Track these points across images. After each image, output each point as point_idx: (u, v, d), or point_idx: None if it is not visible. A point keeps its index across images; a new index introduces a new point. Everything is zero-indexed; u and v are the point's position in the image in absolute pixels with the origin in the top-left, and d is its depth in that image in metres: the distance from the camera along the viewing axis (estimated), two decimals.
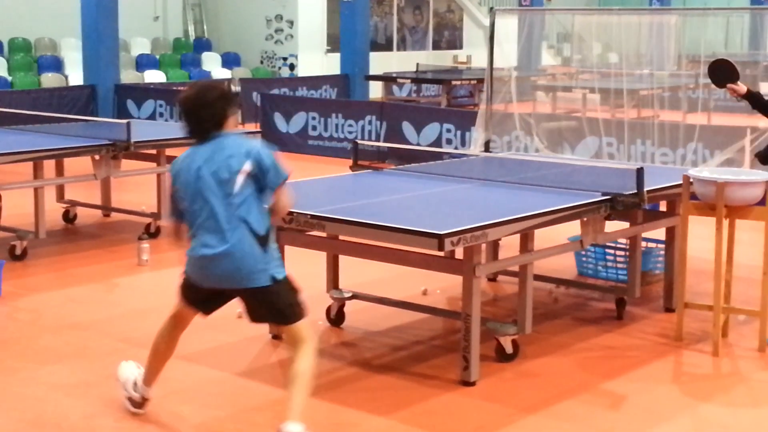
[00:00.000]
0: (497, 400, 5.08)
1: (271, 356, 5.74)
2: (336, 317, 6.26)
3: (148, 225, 8.65)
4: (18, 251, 7.85)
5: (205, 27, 22.33)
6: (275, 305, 4.32)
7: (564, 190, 5.99)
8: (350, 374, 5.44)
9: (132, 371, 4.80)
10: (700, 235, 6.40)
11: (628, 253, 6.73)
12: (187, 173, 4.28)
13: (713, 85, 6.78)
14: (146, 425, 4.71)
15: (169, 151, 8.60)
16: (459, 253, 5.34)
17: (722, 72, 6.59)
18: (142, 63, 19.96)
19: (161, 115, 15.76)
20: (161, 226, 8.52)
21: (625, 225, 6.42)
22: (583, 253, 7.35)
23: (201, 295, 4.46)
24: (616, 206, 5.73)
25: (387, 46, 23.66)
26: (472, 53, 24.89)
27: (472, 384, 5.22)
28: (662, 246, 6.95)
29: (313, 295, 6.47)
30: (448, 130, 12.80)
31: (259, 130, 13.82)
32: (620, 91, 12.19)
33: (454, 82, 17.90)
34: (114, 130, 8.78)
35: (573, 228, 6.07)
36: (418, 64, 20.59)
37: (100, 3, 15.78)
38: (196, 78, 19.47)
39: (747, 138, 10.08)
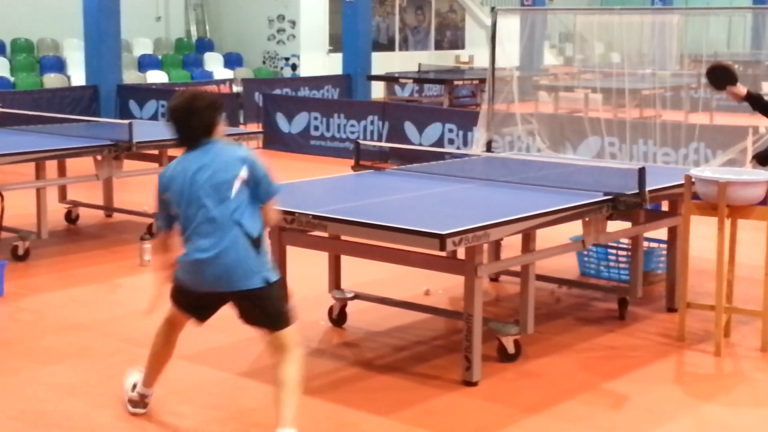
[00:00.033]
0: (499, 401, 5.08)
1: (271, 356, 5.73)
2: (338, 317, 6.26)
3: (150, 225, 8.65)
4: (20, 252, 7.86)
5: (207, 27, 22.34)
6: (267, 308, 4.32)
7: (566, 190, 5.99)
8: (352, 374, 5.44)
9: (134, 375, 4.84)
10: (702, 234, 6.40)
11: (630, 253, 6.72)
12: (182, 179, 4.29)
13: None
14: (147, 425, 4.72)
15: (171, 152, 8.61)
16: (461, 253, 5.34)
17: (720, 75, 6.58)
18: (145, 63, 19.98)
19: (163, 115, 15.75)
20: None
21: (627, 225, 6.42)
22: (585, 253, 7.35)
23: (193, 301, 4.45)
24: (617, 206, 5.73)
25: (389, 46, 23.66)
26: (475, 53, 24.90)
27: (474, 384, 5.22)
28: (664, 246, 6.95)
29: (315, 296, 6.51)
30: (450, 130, 12.80)
31: (261, 130, 13.83)
32: (622, 91, 12.18)
33: (456, 82, 17.90)
34: (116, 130, 8.79)
35: (575, 228, 6.07)
36: (420, 64, 20.59)
37: (102, 3, 15.80)
38: (199, 78, 19.49)
39: (749, 138, 10.08)
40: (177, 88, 16.83)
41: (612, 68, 14.27)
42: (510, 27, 12.63)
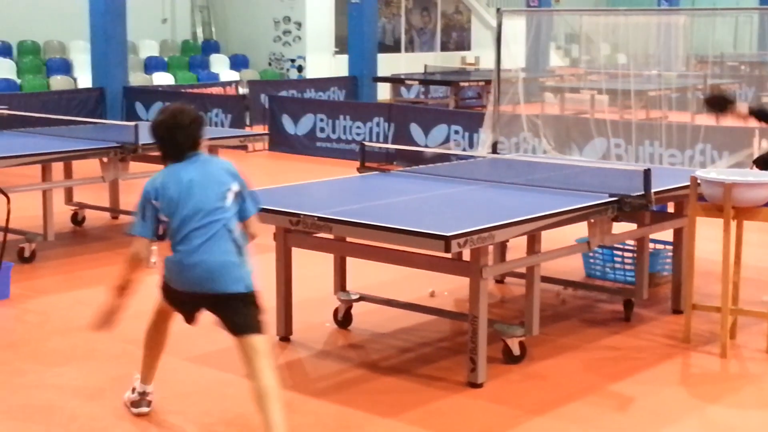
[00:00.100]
0: (504, 402, 5.08)
1: (278, 358, 5.73)
2: (343, 319, 6.26)
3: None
4: (26, 254, 7.88)
5: (213, 29, 22.37)
6: (246, 313, 4.38)
7: (571, 192, 5.98)
8: (357, 376, 5.44)
9: (132, 386, 4.87)
10: (708, 236, 6.39)
11: (635, 255, 6.71)
12: (176, 187, 4.36)
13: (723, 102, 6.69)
14: (151, 426, 4.73)
15: None
16: (466, 255, 5.34)
17: (718, 104, 6.57)
18: (151, 65, 20.01)
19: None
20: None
21: (633, 226, 6.42)
22: (591, 254, 7.34)
23: (180, 300, 4.51)
24: (623, 208, 5.72)
25: (395, 48, 23.67)
26: (480, 54, 24.89)
27: (479, 386, 5.22)
28: (670, 247, 6.94)
29: (321, 297, 6.52)
30: (456, 132, 12.80)
31: (267, 132, 13.85)
32: (628, 92, 12.20)
33: (462, 84, 17.91)
34: (122, 132, 8.80)
35: (580, 229, 6.07)
36: (426, 66, 20.59)
37: (108, 5, 15.83)
38: (205, 80, 19.51)
39: (756, 140, 10.06)
40: (183, 90, 16.96)
41: (618, 69, 14.28)
42: (516, 28, 12.63)
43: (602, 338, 6.12)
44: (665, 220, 6.69)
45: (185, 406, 4.99)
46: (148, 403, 4.82)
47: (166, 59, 20.48)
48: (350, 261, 6.25)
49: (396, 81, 18.62)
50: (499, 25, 9.28)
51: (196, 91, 16.94)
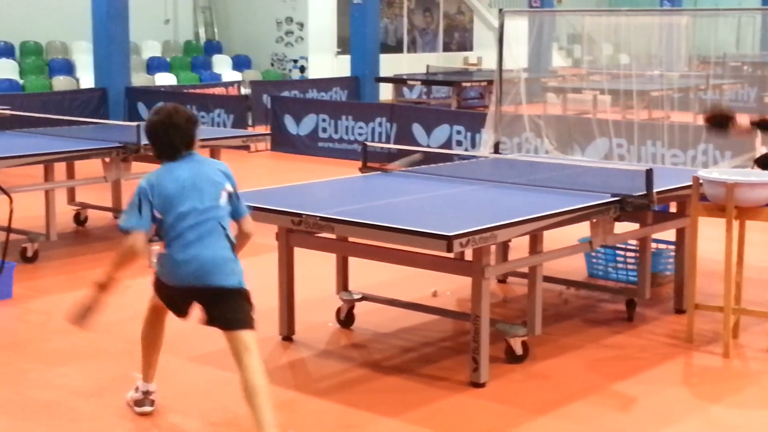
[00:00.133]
0: (507, 402, 5.08)
1: (280, 358, 5.75)
2: (346, 319, 6.27)
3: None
4: (29, 253, 7.89)
5: (215, 30, 22.38)
6: (236, 308, 4.42)
7: (573, 192, 5.98)
8: (360, 376, 5.45)
9: (135, 383, 4.89)
10: (711, 236, 6.39)
11: (638, 255, 6.71)
12: (173, 184, 4.40)
13: (720, 125, 6.56)
14: (154, 426, 4.73)
15: None
16: (468, 255, 5.34)
17: (719, 123, 6.50)
18: (153, 66, 20.02)
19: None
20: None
21: (635, 226, 6.41)
22: (593, 254, 7.34)
23: (173, 296, 4.55)
24: (625, 207, 5.72)
25: (397, 48, 23.67)
26: (483, 55, 24.89)
27: (482, 385, 5.21)
28: (672, 247, 6.94)
29: (323, 297, 6.52)
30: (459, 132, 12.80)
31: (269, 132, 13.86)
32: (630, 93, 12.17)
33: (464, 84, 17.91)
34: (124, 132, 8.81)
35: (583, 229, 6.07)
36: (428, 66, 20.59)
37: (111, 6, 15.84)
38: (207, 81, 19.52)
39: (758, 140, 10.05)
40: (186, 90, 16.97)
41: (620, 70, 14.26)
42: (518, 29, 12.62)
43: (605, 338, 6.12)
44: (667, 220, 6.69)
45: (187, 405, 4.99)
46: (152, 403, 4.83)
47: (168, 60, 20.50)
48: (352, 261, 6.25)
49: (398, 81, 18.63)
50: (501, 26, 9.27)
51: (198, 91, 16.95)
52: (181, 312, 4.60)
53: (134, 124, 8.64)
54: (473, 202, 5.93)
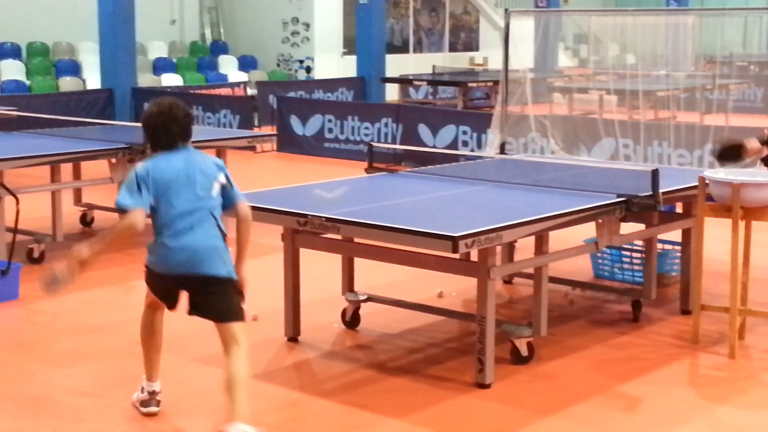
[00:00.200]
0: (512, 403, 5.08)
1: (286, 359, 5.75)
2: (351, 320, 6.27)
3: None
4: (35, 254, 7.90)
5: (221, 30, 22.40)
6: (223, 299, 4.49)
7: (579, 192, 5.98)
8: (365, 376, 5.45)
9: (141, 384, 4.90)
10: (717, 236, 6.38)
11: (644, 255, 6.70)
12: (168, 171, 4.47)
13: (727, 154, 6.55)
14: (160, 427, 4.74)
15: None
16: (474, 256, 5.34)
17: (730, 152, 6.46)
18: (159, 66, 20.05)
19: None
20: None
21: (641, 227, 6.41)
22: (599, 255, 7.34)
23: (163, 285, 4.60)
24: (631, 208, 5.71)
25: (403, 49, 23.67)
26: (489, 55, 24.88)
27: (487, 386, 5.21)
28: (678, 248, 6.93)
29: (329, 298, 6.52)
30: (465, 132, 12.80)
31: (275, 133, 13.86)
32: (637, 93, 12.16)
33: (470, 84, 17.91)
34: (131, 133, 8.82)
35: (588, 230, 6.06)
36: (434, 66, 20.58)
37: (117, 7, 15.86)
38: (213, 81, 19.55)
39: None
40: (192, 91, 16.98)
41: (626, 70, 14.24)
42: (524, 29, 12.59)
43: (610, 339, 6.11)
44: (673, 221, 6.68)
45: (192, 406, 5.00)
46: (158, 403, 4.83)
47: (174, 60, 20.53)
48: (358, 261, 6.25)
49: (404, 82, 18.63)
50: (507, 26, 9.26)
51: (204, 92, 16.97)
52: (171, 301, 4.64)
53: (140, 124, 8.63)
54: (479, 202, 5.93)
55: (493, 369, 5.24)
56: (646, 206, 5.75)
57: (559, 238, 6.13)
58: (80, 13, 18.15)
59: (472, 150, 12.30)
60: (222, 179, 4.54)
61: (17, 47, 18.67)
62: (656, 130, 11.07)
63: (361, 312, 6.29)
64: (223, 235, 4.53)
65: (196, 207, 4.45)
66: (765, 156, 6.95)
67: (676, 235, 6.86)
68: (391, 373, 5.49)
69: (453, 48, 25.25)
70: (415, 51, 24.05)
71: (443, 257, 5.23)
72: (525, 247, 6.59)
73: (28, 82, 17.95)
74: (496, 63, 21.40)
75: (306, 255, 5.93)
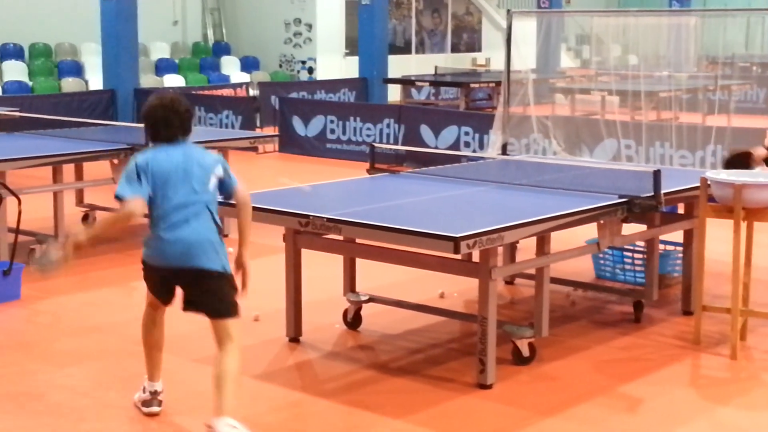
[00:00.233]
0: (514, 403, 5.08)
1: (287, 359, 5.76)
2: (353, 320, 6.27)
3: None
4: (37, 255, 7.89)
5: (224, 31, 22.42)
6: (218, 294, 4.52)
7: (581, 193, 5.98)
8: (367, 377, 5.45)
9: (143, 384, 4.91)
10: (718, 237, 6.38)
11: (645, 256, 6.70)
12: (166, 163, 4.50)
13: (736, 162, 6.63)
14: (162, 427, 4.74)
15: None
16: (476, 256, 5.34)
17: (738, 161, 6.52)
18: (162, 67, 20.06)
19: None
20: None
21: (643, 227, 6.40)
22: (601, 255, 7.33)
23: (158, 279, 4.63)
24: (633, 209, 5.71)
25: (405, 49, 23.67)
26: (491, 56, 24.88)
27: (489, 387, 5.21)
28: (680, 249, 6.93)
29: (330, 299, 6.52)
30: (467, 133, 12.80)
31: (277, 133, 13.86)
32: (639, 93, 12.16)
33: (472, 85, 17.90)
34: (133, 134, 8.82)
35: (590, 231, 6.06)
36: (436, 67, 20.58)
37: (119, 8, 15.88)
38: (215, 82, 19.55)
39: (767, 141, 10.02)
40: (194, 92, 16.99)
41: (629, 70, 14.24)
42: (526, 29, 12.60)
43: (612, 339, 6.11)
44: (675, 221, 6.68)
45: (194, 406, 5.00)
46: (159, 403, 4.84)
47: (176, 61, 20.54)
48: (360, 262, 6.25)
49: (406, 82, 18.63)
50: (509, 27, 9.26)
51: (206, 92, 16.99)
52: (167, 296, 4.67)
53: (142, 125, 8.63)
54: (481, 203, 5.94)
55: (494, 370, 5.24)
56: (648, 207, 5.75)
57: (560, 239, 6.13)
58: (82, 14, 18.17)
59: (474, 151, 12.30)
60: (219, 172, 4.57)
61: (20, 48, 18.69)
62: (658, 131, 11.07)
63: (362, 312, 6.29)
64: (219, 230, 4.56)
65: (192, 200, 4.47)
66: (766, 157, 6.96)
67: (677, 236, 6.86)
68: (392, 374, 5.49)
69: (455, 49, 25.25)
70: (417, 52, 24.06)
71: (445, 258, 5.23)
72: (527, 248, 6.59)
73: (30, 83, 17.97)
74: (498, 64, 21.41)
75: (307, 255, 5.94)
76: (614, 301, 6.90)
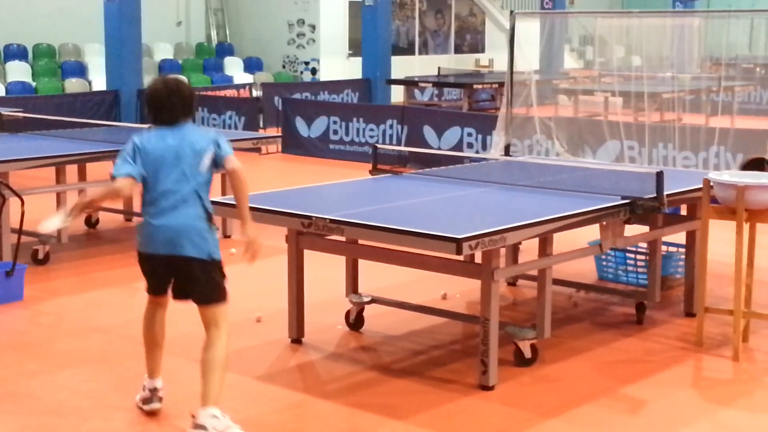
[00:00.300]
0: (516, 405, 5.08)
1: (290, 360, 5.76)
2: (355, 321, 6.27)
3: None
4: (40, 255, 7.91)
5: (227, 32, 22.43)
6: (207, 280, 4.55)
7: (583, 194, 5.97)
8: (369, 378, 5.45)
9: (143, 382, 4.92)
10: (721, 239, 6.37)
11: (648, 258, 6.70)
12: (161, 145, 4.56)
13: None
14: (164, 428, 4.74)
15: None
16: (478, 257, 5.34)
17: (755, 165, 6.55)
18: (165, 68, 20.05)
19: None
20: None
21: (645, 229, 6.40)
22: (603, 257, 7.33)
23: (150, 266, 4.65)
24: (635, 210, 5.71)
25: (409, 50, 23.68)
26: (494, 57, 24.87)
27: (491, 388, 5.21)
28: (683, 250, 6.92)
29: (333, 300, 6.52)
30: (470, 134, 12.79)
31: (280, 134, 13.86)
32: (642, 95, 12.14)
33: (475, 86, 17.89)
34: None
35: (593, 232, 6.06)
36: (439, 68, 20.58)
37: (123, 9, 15.89)
38: (219, 83, 19.56)
39: None
40: (197, 92, 16.97)
41: (632, 71, 14.22)
42: (529, 30, 12.60)
43: (614, 341, 6.10)
44: (678, 223, 6.68)
45: (194, 407, 4.99)
46: (159, 399, 4.85)
47: (180, 62, 20.55)
48: (362, 263, 6.25)
49: (409, 83, 18.63)
50: (512, 27, 9.26)
51: (210, 93, 16.98)
52: (160, 286, 4.69)
53: (146, 126, 8.64)
54: (483, 204, 5.94)
55: (496, 371, 5.24)
56: (651, 208, 5.75)
57: (563, 240, 6.13)
58: (86, 15, 18.18)
59: (477, 152, 12.30)
60: (212, 150, 4.55)
61: (23, 49, 18.71)
62: (661, 132, 11.06)
63: (365, 314, 6.29)
64: (209, 215, 4.56)
65: (181, 186, 4.50)
66: None
67: (680, 237, 6.86)
68: (394, 375, 5.49)
69: (458, 50, 25.24)
70: (420, 53, 24.06)
71: (447, 259, 5.23)
72: (529, 249, 6.59)
73: (34, 84, 17.99)
74: (501, 65, 21.43)
75: (310, 257, 5.94)
76: (617, 302, 6.90)
